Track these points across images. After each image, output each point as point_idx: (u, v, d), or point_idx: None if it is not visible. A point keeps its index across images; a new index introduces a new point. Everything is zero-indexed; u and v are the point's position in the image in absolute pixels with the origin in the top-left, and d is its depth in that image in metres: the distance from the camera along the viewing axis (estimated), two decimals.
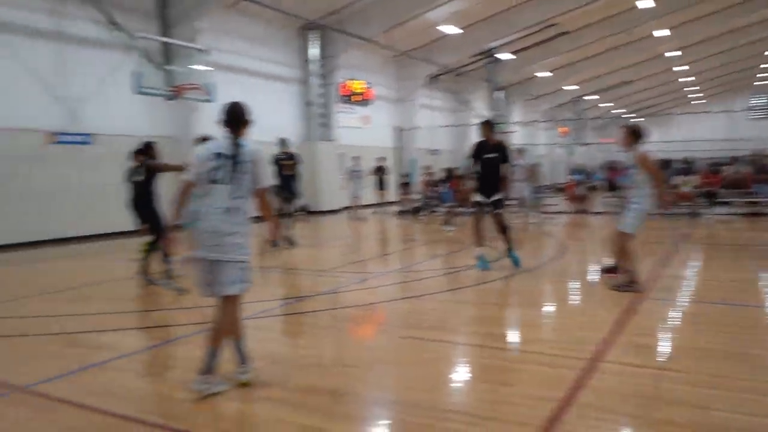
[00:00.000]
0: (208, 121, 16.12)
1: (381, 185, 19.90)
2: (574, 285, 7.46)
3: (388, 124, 25.12)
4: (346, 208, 18.53)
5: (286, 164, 11.86)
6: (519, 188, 14.55)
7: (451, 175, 17.88)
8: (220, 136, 3.97)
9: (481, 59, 27.81)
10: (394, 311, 6.10)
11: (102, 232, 14.06)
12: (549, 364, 4.26)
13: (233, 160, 3.83)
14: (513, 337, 5.18)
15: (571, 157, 41.53)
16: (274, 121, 19.48)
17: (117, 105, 14.53)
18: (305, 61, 20.63)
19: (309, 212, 19.40)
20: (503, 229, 8.04)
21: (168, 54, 14.05)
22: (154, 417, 3.48)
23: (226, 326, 3.88)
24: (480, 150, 8.15)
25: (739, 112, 39.85)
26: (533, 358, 4.39)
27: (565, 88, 36.66)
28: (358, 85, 23.26)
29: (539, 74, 32.47)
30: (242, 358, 3.98)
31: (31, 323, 5.93)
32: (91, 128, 14.07)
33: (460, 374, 4.30)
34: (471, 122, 28.71)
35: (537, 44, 27.19)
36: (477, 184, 8.23)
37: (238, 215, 3.79)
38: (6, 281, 8.80)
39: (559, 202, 19.91)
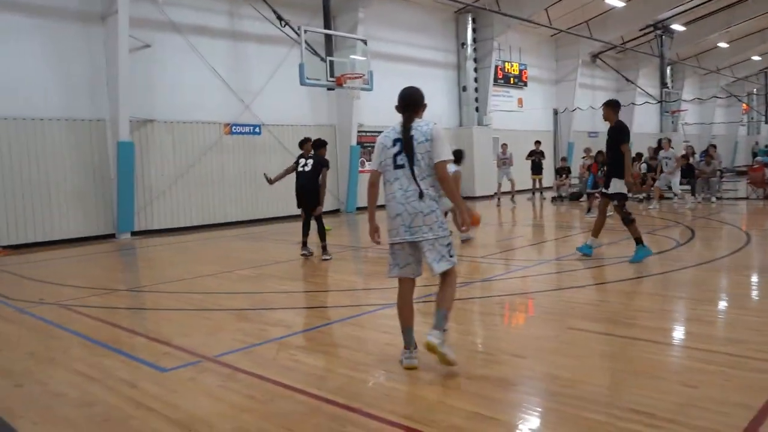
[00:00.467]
0: (368, 109, 16.75)
1: (537, 170, 19.22)
2: (762, 280, 6.66)
3: (545, 106, 24.25)
4: (496, 194, 18.17)
5: None
6: (664, 179, 14.96)
7: (597, 158, 16.86)
8: (397, 122, 4.09)
9: (648, 32, 25.77)
10: (558, 301, 5.85)
11: (270, 216, 15.13)
12: (740, 366, 3.83)
13: (411, 142, 3.93)
14: (695, 334, 4.74)
15: (757, 136, 37.25)
16: (430, 107, 19.50)
17: (284, 96, 15.48)
18: (461, 45, 20.48)
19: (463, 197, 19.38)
20: (623, 221, 7.52)
21: (330, 45, 14.64)
22: (325, 392, 3.65)
23: (446, 298, 3.96)
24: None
25: None
26: (721, 360, 3.97)
27: (753, 58, 32.86)
28: (513, 68, 22.75)
29: (720, 44, 29.40)
30: (441, 324, 3.91)
31: (211, 299, 6.52)
32: (261, 119, 15.13)
33: (637, 371, 4.00)
34: (637, 101, 26.80)
35: (714, 12, 24.62)
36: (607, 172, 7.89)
37: (429, 194, 3.90)
38: (187, 260, 9.76)
39: (741, 188, 17.95)
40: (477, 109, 20.63)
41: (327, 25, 15.07)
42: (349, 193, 16.49)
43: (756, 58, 32.97)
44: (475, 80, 20.55)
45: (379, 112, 17.21)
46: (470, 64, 20.45)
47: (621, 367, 4.02)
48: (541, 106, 24.07)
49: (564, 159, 20.00)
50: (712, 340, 4.48)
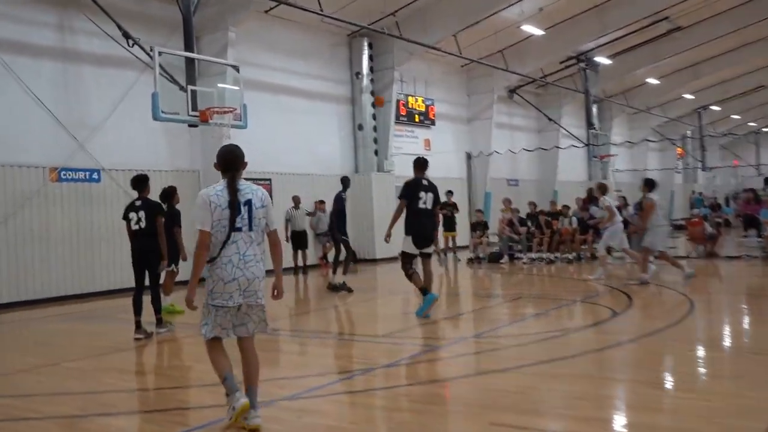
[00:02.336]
0: (243, 149, 16.64)
1: (449, 226, 19.76)
2: (709, 355, 7.12)
3: (456, 148, 25.13)
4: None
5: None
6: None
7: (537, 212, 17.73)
8: (222, 182, 4.85)
9: (571, 65, 27.65)
10: (478, 389, 5.93)
11: (112, 287, 14.45)
12: None
13: (251, 206, 4.81)
14: (638, 425, 4.93)
15: (694, 185, 40.49)
16: (319, 149, 19.83)
17: (131, 133, 15.08)
18: (356, 75, 20.97)
19: (357, 260, 19.49)
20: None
21: (192, 72, 14.52)
22: None
23: (256, 371, 4.99)
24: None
25: None
26: None
27: (685, 96, 35.96)
28: (418, 103, 23.55)
29: (649, 80, 32.02)
30: (256, 401, 4.85)
31: (28, 403, 6.06)
32: (101, 162, 14.61)
33: None
34: (561, 144, 28.43)
35: (642, 44, 26.91)
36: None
37: (261, 260, 4.84)
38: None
39: (680, 244, 19.32)
40: (376, 153, 21.05)
41: (188, 47, 14.98)
42: None
43: (689, 96, 36.20)
44: (374, 117, 21.05)
45: (256, 153, 17.12)
46: (367, 98, 20.96)
47: None
48: (452, 149, 24.93)
49: (480, 212, 20.74)
50: (658, 431, 4.68)
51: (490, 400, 5.54)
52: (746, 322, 9.12)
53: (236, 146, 5.07)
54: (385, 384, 6.28)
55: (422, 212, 9.92)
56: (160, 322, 9.11)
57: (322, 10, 16.94)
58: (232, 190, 4.73)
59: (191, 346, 8.27)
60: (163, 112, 13.16)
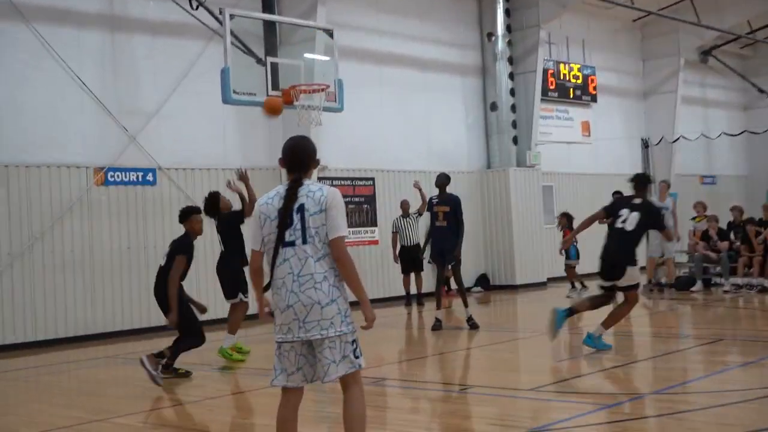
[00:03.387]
0: (337, 141, 16.85)
1: None
2: None
3: (627, 133, 24.62)
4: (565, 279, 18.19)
5: (441, 211, 12.91)
6: None
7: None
8: (283, 184, 4.95)
9: None
10: None
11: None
12: None
13: (303, 213, 4.75)
14: None
15: None
16: (438, 137, 19.80)
17: (195, 122, 15.50)
18: (487, 36, 20.90)
19: (487, 287, 19.32)
20: None
21: (272, 39, 14.81)
22: None
23: (357, 422, 4.96)
24: None
25: None
26: None
27: None
28: (572, 72, 23.20)
29: None
30: None
31: None
32: (156, 159, 15.12)
33: None
34: None
35: None
36: None
37: (328, 279, 4.77)
38: (25, 400, 9.56)
39: None
40: (515, 140, 20.88)
41: (268, 8, 15.30)
42: None
43: None
44: (512, 93, 20.88)
45: (354, 146, 17.33)
46: (503, 67, 20.83)
47: None
48: (620, 134, 24.42)
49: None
50: None
51: None
52: None
53: (306, 138, 5.13)
54: None
55: (615, 233, 10.14)
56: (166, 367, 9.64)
57: None
58: (289, 195, 4.78)
59: (265, 398, 8.41)
60: (235, 92, 13.46)
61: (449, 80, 20.46)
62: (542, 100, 21.55)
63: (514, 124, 20.90)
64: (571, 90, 23.23)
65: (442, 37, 20.24)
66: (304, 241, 4.70)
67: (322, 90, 14.46)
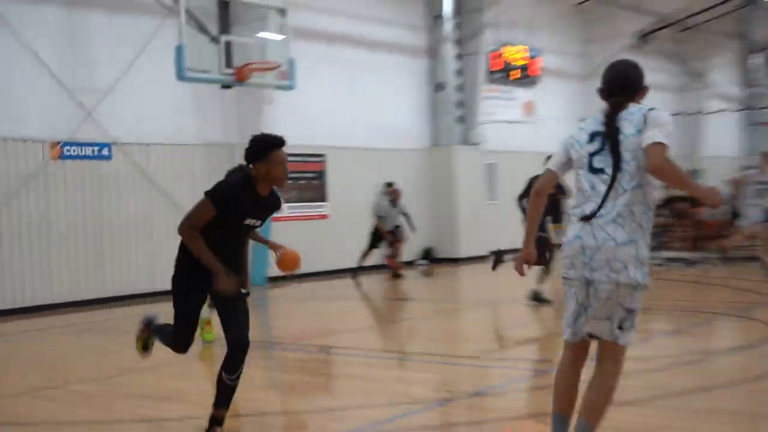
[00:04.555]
0: (289, 118, 16.73)
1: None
2: None
3: (568, 113, 24.80)
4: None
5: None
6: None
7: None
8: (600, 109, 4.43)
9: (726, 1, 26.93)
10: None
11: (128, 293, 14.90)
12: None
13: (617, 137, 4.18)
14: None
15: None
16: (386, 116, 19.83)
17: (150, 98, 15.37)
18: (435, 18, 20.97)
19: (432, 260, 19.45)
20: None
21: (226, 18, 14.70)
22: None
23: (598, 402, 4.32)
24: None
25: None
26: None
27: None
28: (516, 54, 23.27)
29: None
30: None
31: None
32: (112, 134, 15.02)
33: None
34: (709, 107, 27.78)
35: None
36: None
37: (632, 217, 4.15)
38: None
39: None
40: (461, 119, 21.02)
41: None
42: (257, 256, 16.19)
43: None
44: (458, 74, 20.99)
45: (305, 123, 17.28)
46: (449, 49, 20.93)
47: None
48: (563, 115, 24.60)
49: None
50: None
51: None
52: None
53: (630, 63, 4.67)
54: (469, 418, 6.34)
55: None
56: None
57: None
58: (607, 118, 4.29)
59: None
60: (189, 70, 13.36)
61: (398, 60, 20.49)
62: (488, 81, 21.71)
63: (460, 104, 21.04)
64: (516, 71, 23.36)
65: (392, 19, 20.23)
66: (617, 169, 4.12)
67: (275, 68, 14.41)
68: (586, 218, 4.15)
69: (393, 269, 16.94)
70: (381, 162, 19.33)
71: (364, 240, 17.23)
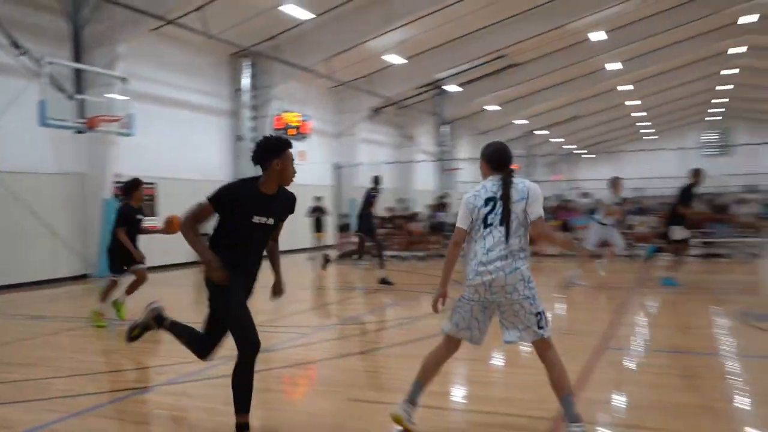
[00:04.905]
0: (128, 155, 15.87)
1: (318, 227, 19.88)
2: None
3: (326, 160, 25.18)
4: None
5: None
6: None
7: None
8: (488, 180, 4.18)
9: (426, 91, 28.42)
10: (339, 370, 5.99)
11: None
12: (512, 426, 4.25)
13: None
14: (474, 396, 5.16)
15: None
16: (201, 157, 19.27)
17: (19, 138, 13.98)
18: (236, 91, 20.55)
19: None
20: None
21: (81, 82, 13.71)
22: None
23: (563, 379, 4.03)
24: None
25: (692, 149, 42.17)
26: (495, 420, 4.37)
27: (515, 122, 37.82)
28: (293, 118, 23.38)
29: (488, 107, 33.41)
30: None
31: None
32: None
33: None
34: (416, 158, 29.13)
35: (485, 76, 28.07)
36: None
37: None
38: None
39: None
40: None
41: (77, 58, 14.14)
42: (102, 255, 15.02)
43: (521, 121, 38.17)
44: (253, 129, 20.73)
45: (142, 159, 16.46)
46: (247, 113, 20.61)
47: None
48: (324, 160, 24.95)
49: (345, 215, 20.89)
50: (488, 400, 4.92)
51: (349, 379, 5.61)
52: (561, 308, 9.71)
53: (504, 144, 4.40)
54: (256, 368, 6.19)
55: None
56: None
57: (207, 32, 16.52)
58: (506, 184, 4.09)
59: (75, 339, 7.80)
60: (51, 119, 12.35)
61: (210, 118, 19.88)
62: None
63: None
64: (293, 130, 23.43)
65: (206, 89, 19.62)
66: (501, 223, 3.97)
67: (117, 120, 13.67)
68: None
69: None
70: (198, 189, 18.57)
71: (185, 244, 16.65)
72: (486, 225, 4.00)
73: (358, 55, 22.25)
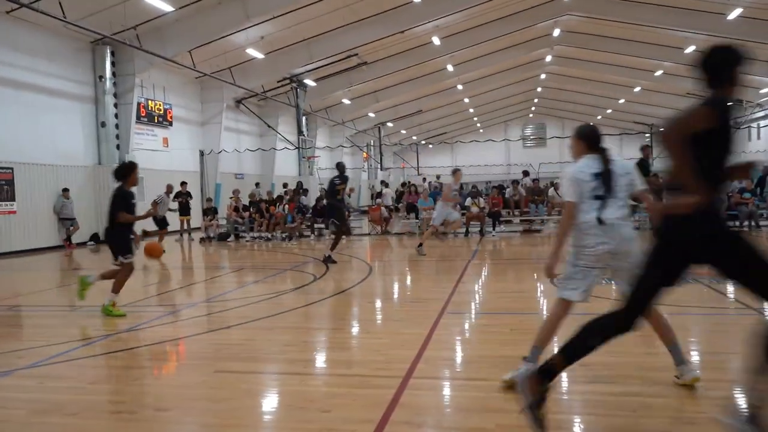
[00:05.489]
0: None
1: (184, 211, 19.07)
2: (382, 305, 7.77)
3: (191, 147, 24.12)
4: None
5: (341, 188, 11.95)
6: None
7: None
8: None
9: (286, 84, 28.01)
10: (207, 345, 5.80)
11: None
12: (365, 385, 4.36)
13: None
14: (330, 361, 5.23)
15: (375, 180, 43.40)
16: (63, 142, 17.74)
17: None
18: (99, 78, 18.99)
19: (99, 241, 17.77)
20: None
21: None
22: None
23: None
24: None
25: (516, 140, 45.33)
26: (350, 382, 4.46)
27: (369, 114, 38.34)
28: (157, 106, 22.12)
29: (344, 101, 33.56)
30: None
31: None
32: None
33: (279, 404, 4.22)
34: (278, 147, 28.69)
35: (338, 73, 28.14)
36: None
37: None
38: None
39: (364, 225, 20.66)
40: (118, 147, 19.33)
41: None
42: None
43: (371, 114, 38.76)
44: (116, 116, 19.29)
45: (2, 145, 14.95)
46: (110, 99, 19.13)
47: (263, 403, 4.18)
48: (187, 147, 23.86)
49: (210, 200, 20.17)
50: (344, 364, 5.00)
51: (216, 352, 5.46)
52: (409, 279, 10.07)
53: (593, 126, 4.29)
54: (125, 346, 5.85)
55: None
56: None
57: (64, 17, 15.09)
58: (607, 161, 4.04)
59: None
60: None
61: (73, 104, 18.25)
62: (137, 122, 20.25)
63: (117, 137, 19.32)
64: (156, 117, 22.14)
65: (66, 75, 17.96)
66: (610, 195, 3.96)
67: None
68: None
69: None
70: (59, 175, 17.20)
71: (46, 229, 15.46)
72: (597, 197, 3.99)
73: (221, 48, 21.46)
